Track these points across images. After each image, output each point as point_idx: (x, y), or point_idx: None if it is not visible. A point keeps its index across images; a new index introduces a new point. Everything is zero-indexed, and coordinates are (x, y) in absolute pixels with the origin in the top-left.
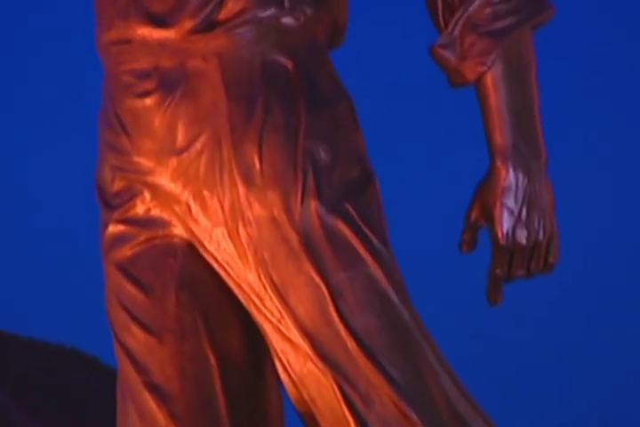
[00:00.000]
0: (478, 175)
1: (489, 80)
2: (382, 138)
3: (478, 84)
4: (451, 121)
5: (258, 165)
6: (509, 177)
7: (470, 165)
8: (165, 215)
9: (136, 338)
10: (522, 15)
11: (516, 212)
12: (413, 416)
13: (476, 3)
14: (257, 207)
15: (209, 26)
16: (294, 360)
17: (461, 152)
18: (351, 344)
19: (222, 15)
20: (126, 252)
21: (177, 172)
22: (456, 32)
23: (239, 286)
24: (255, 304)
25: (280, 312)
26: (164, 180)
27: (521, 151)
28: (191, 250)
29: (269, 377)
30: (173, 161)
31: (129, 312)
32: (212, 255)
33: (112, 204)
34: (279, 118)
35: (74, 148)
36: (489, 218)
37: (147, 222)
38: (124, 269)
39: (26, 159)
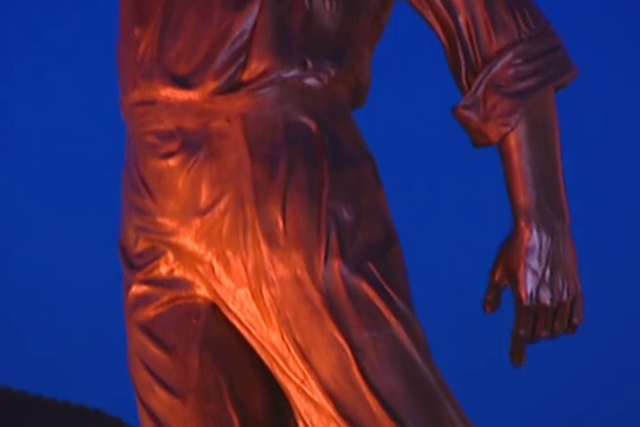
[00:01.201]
0: (500, 235)
1: (512, 140)
2: (405, 198)
3: (501, 144)
4: (473, 180)
5: (281, 225)
6: (533, 237)
7: (492, 224)
8: (189, 276)
9: (159, 399)
10: (545, 76)
11: (539, 272)
12: None
13: (499, 63)
14: (280, 267)
15: (232, 87)
16: (318, 421)
17: (484, 212)
18: (375, 406)
19: (246, 76)
20: (149, 312)
21: (200, 232)
22: (479, 93)
23: (262, 346)
24: (279, 365)
25: (303, 373)
26: (187, 240)
27: (544, 211)
28: (214, 311)
29: None
30: (197, 221)
31: (152, 373)
32: (236, 316)
33: (135, 264)
34: (302, 178)
35: (97, 212)
36: (513, 278)
37: (170, 283)
38: (147, 329)
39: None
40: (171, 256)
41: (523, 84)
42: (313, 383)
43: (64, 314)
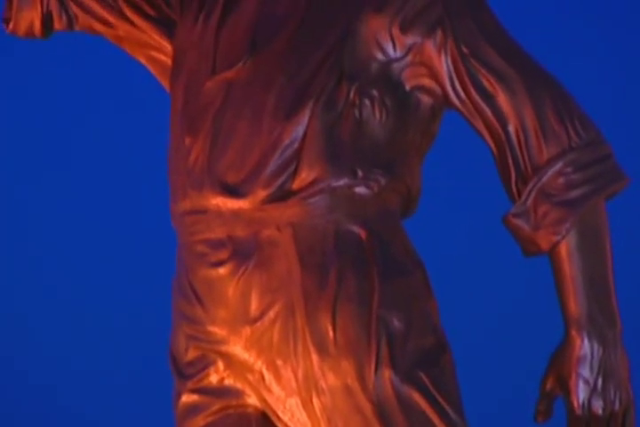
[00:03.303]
0: (553, 344)
1: (563, 249)
2: (455, 307)
3: (552, 253)
4: (526, 287)
5: (331, 334)
6: (584, 346)
7: (546, 334)
8: (239, 385)
9: None
10: (595, 185)
11: (591, 382)
12: None
13: (550, 172)
14: (331, 377)
15: (283, 195)
16: None
17: (535, 326)
18: None
19: (296, 185)
20: (200, 422)
21: (250, 341)
22: (530, 201)
23: None
24: None
25: None
26: (237, 349)
27: (596, 320)
28: (265, 420)
29: None
30: (247, 330)
31: None
32: (286, 425)
33: (186, 373)
34: (352, 287)
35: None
36: (564, 388)
37: (220, 392)
38: None
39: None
40: (221, 365)
41: (573, 194)
42: None
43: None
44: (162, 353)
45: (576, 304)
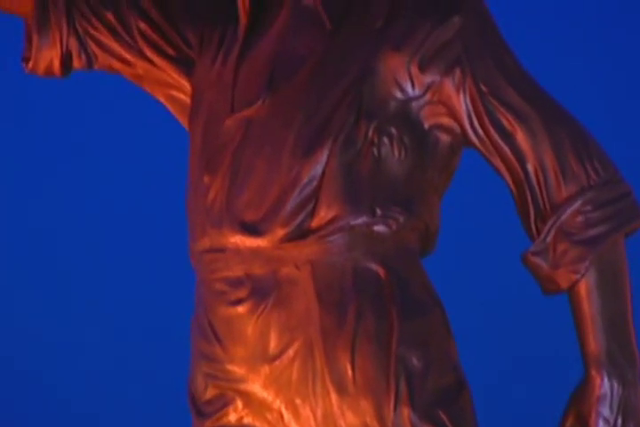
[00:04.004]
0: (572, 384)
1: (582, 288)
2: (474, 345)
3: (571, 291)
4: (544, 332)
5: (350, 373)
6: (604, 386)
7: (565, 374)
8: (258, 423)
9: None
10: (614, 223)
11: (611, 421)
12: None
13: (568, 210)
14: (349, 415)
15: (301, 234)
16: None
17: (554, 365)
18: None
19: (314, 223)
20: None
21: (269, 379)
22: (549, 239)
23: None
24: None
25: None
26: (256, 387)
27: (615, 359)
28: None
29: None
30: (266, 368)
31: None
32: None
33: (204, 412)
34: (371, 326)
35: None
36: (584, 426)
37: None
38: None
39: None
40: (240, 403)
41: (592, 232)
42: None
43: None
44: (181, 396)
45: (595, 343)
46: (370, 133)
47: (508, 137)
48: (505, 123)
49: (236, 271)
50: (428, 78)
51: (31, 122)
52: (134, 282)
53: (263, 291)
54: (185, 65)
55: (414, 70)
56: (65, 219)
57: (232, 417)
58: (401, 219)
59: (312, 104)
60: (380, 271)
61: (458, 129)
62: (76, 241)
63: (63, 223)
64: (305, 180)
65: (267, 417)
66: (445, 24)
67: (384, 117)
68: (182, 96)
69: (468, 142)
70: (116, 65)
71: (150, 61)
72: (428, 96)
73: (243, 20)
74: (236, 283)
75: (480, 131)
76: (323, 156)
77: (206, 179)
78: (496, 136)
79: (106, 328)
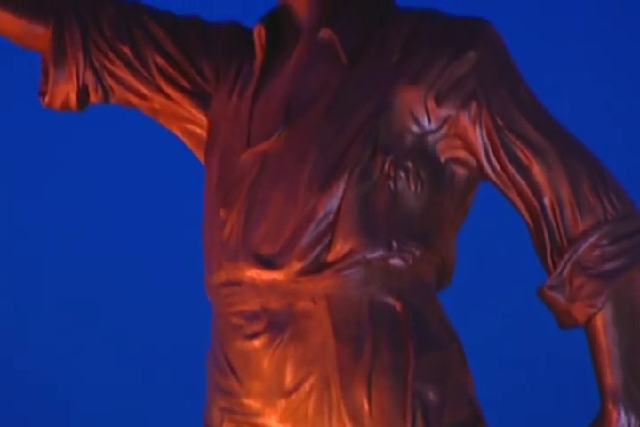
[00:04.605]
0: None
1: (599, 322)
2: (491, 380)
3: (588, 325)
4: (562, 369)
5: (367, 407)
6: (621, 420)
7: (584, 407)
8: None
9: None
10: (631, 257)
11: None
12: None
13: (585, 244)
14: None
15: (317, 267)
16: None
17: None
18: None
19: (331, 257)
20: None
21: (286, 413)
22: (565, 273)
23: None
24: None
25: None
26: (272, 421)
27: (632, 393)
28: None
29: None
30: (282, 402)
31: None
32: None
33: None
34: (388, 360)
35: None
36: None
37: None
38: None
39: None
40: None
41: (609, 266)
42: None
43: None
44: None
45: (612, 377)
46: (386, 167)
47: (525, 170)
48: (521, 156)
49: (253, 305)
50: (444, 112)
51: (47, 152)
52: (151, 316)
53: (279, 325)
54: (201, 99)
55: (431, 104)
56: (83, 254)
57: None
58: (417, 253)
59: (328, 138)
60: (397, 305)
61: (474, 162)
62: (95, 275)
63: (80, 257)
64: (321, 213)
65: None
66: (461, 58)
67: (400, 151)
68: (198, 130)
69: (484, 176)
70: (133, 99)
71: (167, 95)
72: (444, 130)
73: (259, 54)
74: (253, 317)
75: (496, 164)
76: (339, 189)
77: (222, 213)
78: (512, 170)
79: (122, 362)
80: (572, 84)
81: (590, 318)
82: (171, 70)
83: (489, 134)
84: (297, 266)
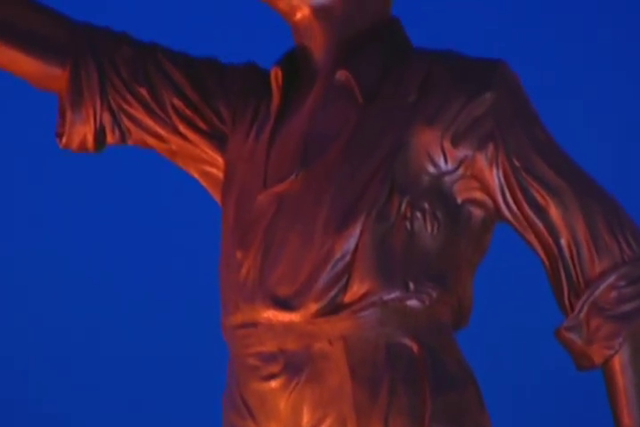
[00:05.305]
0: None
1: (616, 363)
2: (508, 421)
3: (605, 366)
4: (580, 410)
5: None
6: None
7: None
8: None
9: None
10: None
11: None
12: None
13: (602, 286)
14: None
15: (334, 309)
16: None
17: None
18: None
19: (347, 298)
20: None
21: None
22: (582, 315)
23: None
24: None
25: None
26: None
27: None
28: None
29: None
30: None
31: None
32: None
33: None
34: (404, 401)
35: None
36: None
37: None
38: None
39: None
40: None
41: (626, 307)
42: None
43: None
44: None
45: (629, 418)
46: (403, 208)
47: (542, 212)
48: (538, 197)
49: (269, 346)
50: (460, 153)
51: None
52: (167, 358)
53: (296, 366)
54: (218, 140)
55: (447, 145)
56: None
57: None
58: (434, 294)
59: (344, 179)
60: (414, 347)
61: (491, 203)
62: (111, 318)
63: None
64: (338, 254)
65: None
66: (478, 99)
67: (417, 192)
68: (215, 171)
69: (500, 217)
70: (150, 140)
71: (184, 137)
72: (460, 170)
73: (276, 96)
74: (269, 358)
75: (513, 205)
76: (355, 230)
77: (239, 254)
78: (529, 211)
79: (138, 404)
80: (585, 124)
81: (607, 360)
82: (188, 112)
83: (505, 175)
84: (314, 307)
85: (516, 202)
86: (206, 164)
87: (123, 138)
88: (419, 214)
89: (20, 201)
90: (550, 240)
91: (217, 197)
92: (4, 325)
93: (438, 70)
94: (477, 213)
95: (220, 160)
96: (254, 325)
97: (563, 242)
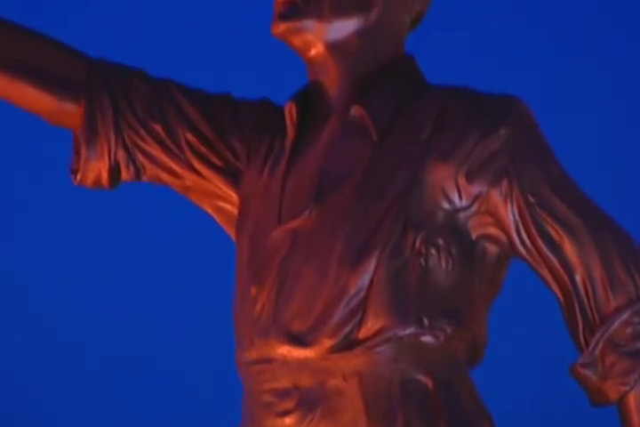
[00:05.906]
0: None
1: (631, 400)
2: None
3: (620, 403)
4: None
5: None
6: None
7: None
8: None
9: None
10: None
11: None
12: None
13: (617, 322)
14: None
15: (349, 345)
16: None
17: None
18: None
19: (362, 334)
20: None
21: None
22: (597, 351)
23: None
24: None
25: None
26: None
27: None
28: None
29: None
30: None
31: None
32: None
33: None
34: None
35: None
36: None
37: None
38: None
39: None
40: None
41: None
42: None
43: None
44: None
45: None
46: (417, 244)
47: (556, 248)
48: (552, 233)
49: (284, 382)
50: (475, 189)
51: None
52: (181, 394)
53: (311, 402)
54: (232, 176)
55: (461, 181)
56: (110, 331)
57: None
58: (449, 330)
59: (359, 215)
60: (428, 382)
61: (505, 239)
62: (127, 352)
63: (108, 338)
64: (352, 290)
65: None
66: (492, 136)
67: (431, 228)
68: (229, 207)
69: (515, 253)
70: (164, 176)
71: (198, 173)
72: (475, 207)
73: (290, 131)
74: (284, 394)
75: (527, 241)
76: (370, 266)
77: (253, 290)
78: (544, 247)
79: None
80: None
81: (623, 396)
82: (202, 148)
83: (520, 211)
84: (328, 343)
85: (530, 237)
86: (220, 199)
87: (137, 174)
88: (433, 251)
89: (20, 205)
90: (565, 276)
91: (231, 233)
92: (5, 325)
93: (453, 106)
94: (492, 249)
95: (234, 196)
96: (269, 361)
97: (578, 278)
